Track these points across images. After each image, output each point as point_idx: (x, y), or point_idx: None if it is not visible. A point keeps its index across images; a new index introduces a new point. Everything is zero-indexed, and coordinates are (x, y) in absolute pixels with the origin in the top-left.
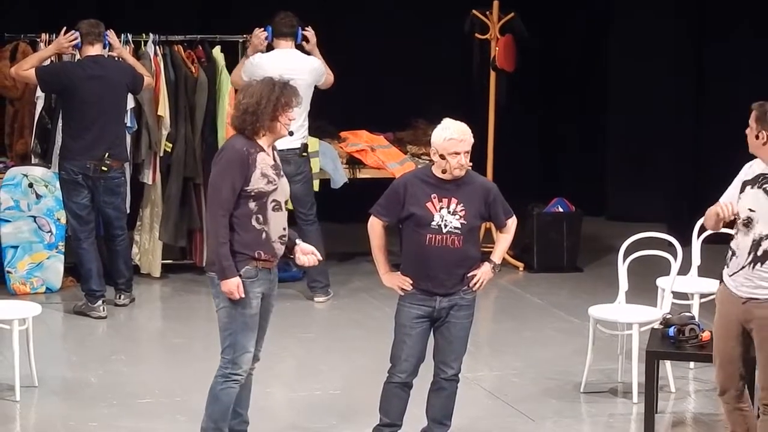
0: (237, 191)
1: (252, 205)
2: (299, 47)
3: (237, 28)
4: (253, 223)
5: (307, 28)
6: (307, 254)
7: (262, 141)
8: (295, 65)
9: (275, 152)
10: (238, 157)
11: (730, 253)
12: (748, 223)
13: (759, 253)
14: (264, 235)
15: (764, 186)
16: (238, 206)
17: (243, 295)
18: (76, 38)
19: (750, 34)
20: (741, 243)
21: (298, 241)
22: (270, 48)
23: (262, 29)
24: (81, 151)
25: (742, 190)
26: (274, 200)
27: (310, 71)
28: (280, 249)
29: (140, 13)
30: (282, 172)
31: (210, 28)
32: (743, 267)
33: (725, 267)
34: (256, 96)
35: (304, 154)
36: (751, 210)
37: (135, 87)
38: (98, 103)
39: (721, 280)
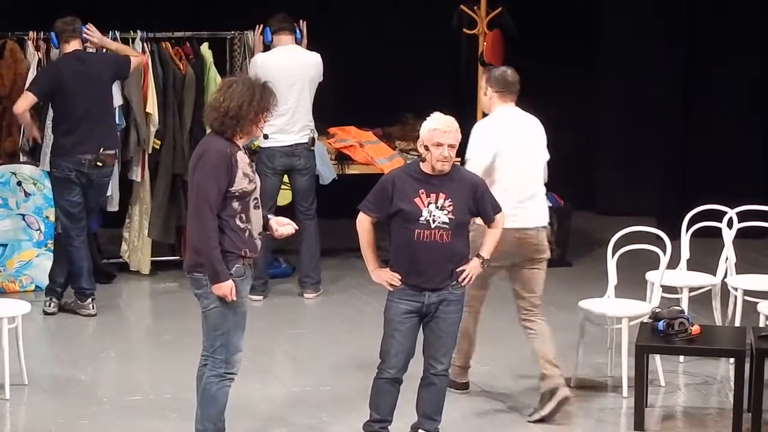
0: (222, 193)
1: (236, 205)
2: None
3: (225, 25)
4: (238, 222)
5: (299, 25)
6: (284, 225)
7: (238, 141)
8: (300, 61)
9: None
10: (223, 159)
11: None
12: None
13: None
14: (248, 233)
15: None
16: (223, 207)
17: (236, 298)
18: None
19: (739, 29)
20: None
21: (270, 216)
22: (267, 48)
23: (260, 30)
24: (73, 147)
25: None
26: (255, 198)
27: (314, 66)
28: (259, 244)
29: (128, 10)
30: (255, 169)
31: (198, 24)
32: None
33: None
34: (237, 99)
35: (312, 148)
36: None
37: (120, 73)
38: (84, 97)
39: None
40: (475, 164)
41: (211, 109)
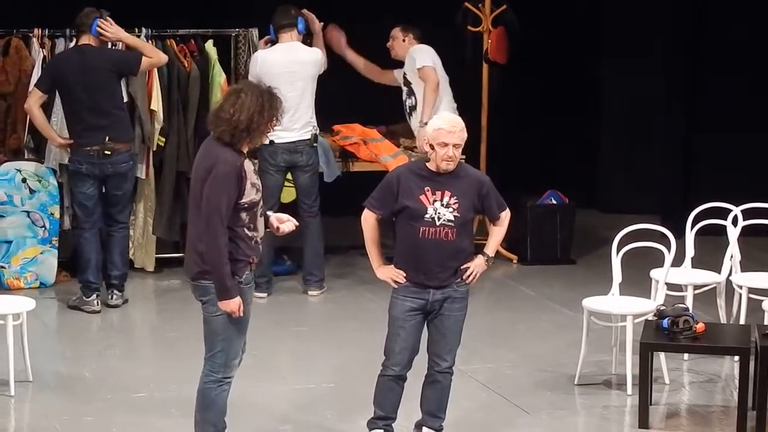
0: (232, 205)
1: (244, 215)
2: (307, 36)
3: (229, 23)
4: (247, 232)
5: (303, 10)
6: (284, 222)
7: (244, 149)
8: (300, 58)
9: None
10: (234, 172)
11: None
12: None
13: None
14: (254, 240)
15: None
16: (232, 219)
17: (242, 314)
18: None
19: (743, 29)
20: None
21: (269, 213)
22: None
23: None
24: (79, 139)
25: None
26: (261, 206)
27: (314, 63)
28: (261, 248)
29: (132, 7)
30: (258, 168)
31: (202, 22)
32: None
33: None
34: (247, 111)
35: (314, 145)
36: None
37: (125, 69)
38: (83, 89)
39: None
40: (432, 69)
41: (219, 120)
